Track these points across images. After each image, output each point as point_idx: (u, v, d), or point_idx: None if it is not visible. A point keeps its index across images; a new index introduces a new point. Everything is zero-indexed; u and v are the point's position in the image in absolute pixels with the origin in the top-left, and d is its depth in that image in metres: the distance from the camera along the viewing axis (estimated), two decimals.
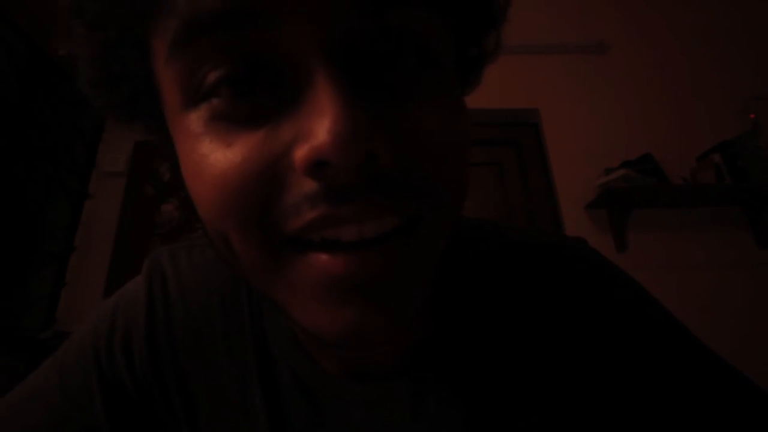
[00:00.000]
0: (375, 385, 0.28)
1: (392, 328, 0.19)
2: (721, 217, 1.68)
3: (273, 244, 0.19)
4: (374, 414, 0.27)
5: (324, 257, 0.18)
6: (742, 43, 1.92)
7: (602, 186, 1.62)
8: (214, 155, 0.18)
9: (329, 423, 0.28)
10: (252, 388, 0.29)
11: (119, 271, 1.64)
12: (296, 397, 0.29)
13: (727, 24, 1.95)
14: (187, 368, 0.30)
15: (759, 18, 1.95)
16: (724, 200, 1.66)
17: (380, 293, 0.19)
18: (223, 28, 0.17)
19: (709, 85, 1.85)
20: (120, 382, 0.29)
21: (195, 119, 0.19)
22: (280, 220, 0.18)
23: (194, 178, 0.20)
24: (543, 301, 0.30)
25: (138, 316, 0.31)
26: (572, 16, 1.95)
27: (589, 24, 1.93)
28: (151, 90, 0.22)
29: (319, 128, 0.16)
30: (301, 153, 0.17)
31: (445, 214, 0.21)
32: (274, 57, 0.18)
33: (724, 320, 1.46)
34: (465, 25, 0.23)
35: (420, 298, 0.21)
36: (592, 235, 1.61)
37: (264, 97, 0.18)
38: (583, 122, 1.78)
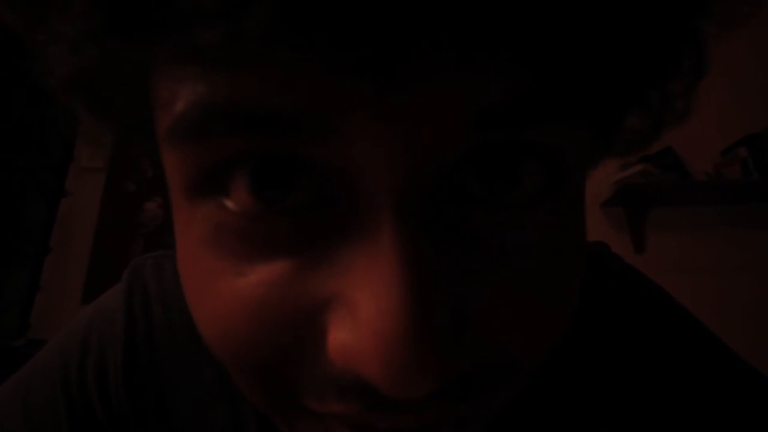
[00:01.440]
0: None
1: None
2: (748, 215, 1.68)
3: (282, 404, 0.16)
4: None
5: None
6: None
7: (619, 182, 1.62)
8: (219, 282, 0.14)
9: None
10: None
11: (98, 274, 1.64)
12: None
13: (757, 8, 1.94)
14: (172, 409, 0.28)
15: None
16: (750, 197, 1.66)
17: None
18: (254, 131, 0.12)
19: (735, 74, 1.84)
20: (91, 412, 0.28)
21: (200, 218, 0.14)
22: (295, 391, 0.15)
23: (191, 292, 0.16)
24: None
25: (115, 340, 0.29)
26: None
27: None
28: (150, 138, 0.16)
29: (366, 329, 0.12)
30: (336, 342, 0.13)
31: (524, 381, 0.17)
32: (323, 168, 0.13)
33: (748, 325, 1.46)
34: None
35: None
36: (608, 235, 1.61)
37: (298, 211, 0.13)
38: None
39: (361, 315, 0.12)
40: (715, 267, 1.60)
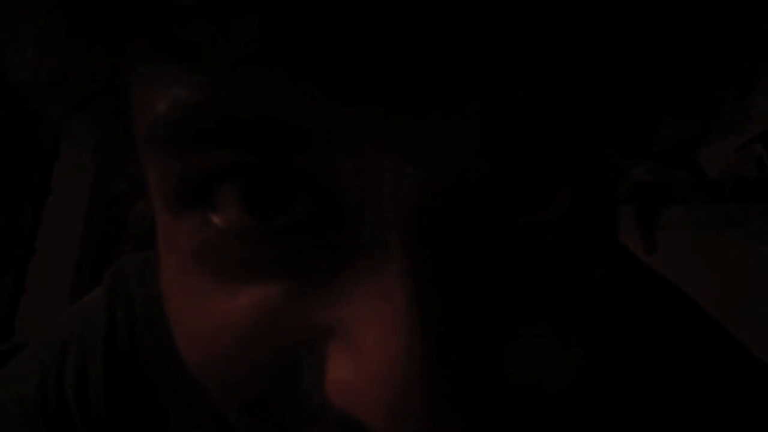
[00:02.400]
0: None
1: None
2: (764, 214, 1.68)
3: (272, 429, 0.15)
4: None
5: None
6: None
7: (628, 180, 1.62)
8: (203, 303, 0.13)
9: None
10: None
11: (86, 276, 1.64)
12: None
13: None
14: (157, 415, 0.28)
15: None
16: (765, 196, 1.65)
17: None
18: (243, 142, 0.11)
19: None
20: (70, 423, 0.27)
21: (183, 232, 0.13)
22: (287, 421, 0.14)
23: (172, 310, 0.16)
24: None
25: (96, 348, 0.28)
26: None
27: None
28: (132, 140, 0.15)
29: (372, 377, 0.11)
30: (336, 381, 0.12)
31: (545, 408, 0.16)
32: (323, 182, 0.12)
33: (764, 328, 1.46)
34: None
35: None
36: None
37: (293, 229, 0.12)
38: None
39: (366, 359, 0.11)
40: (727, 268, 1.60)
